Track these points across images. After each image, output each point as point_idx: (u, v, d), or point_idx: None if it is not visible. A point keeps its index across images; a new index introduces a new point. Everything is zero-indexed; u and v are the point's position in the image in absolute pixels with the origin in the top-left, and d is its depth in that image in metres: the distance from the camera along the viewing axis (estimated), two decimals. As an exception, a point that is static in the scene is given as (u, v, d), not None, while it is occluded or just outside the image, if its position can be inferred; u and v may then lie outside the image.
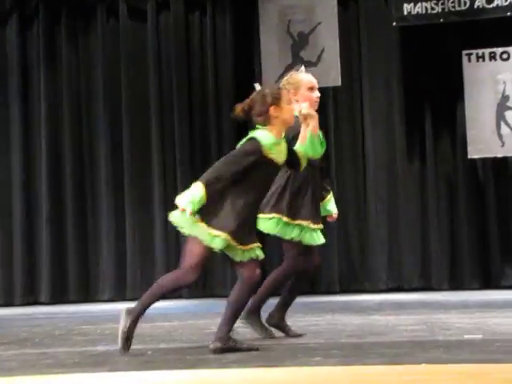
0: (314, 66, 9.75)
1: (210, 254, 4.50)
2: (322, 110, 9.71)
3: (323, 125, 9.67)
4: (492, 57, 9.49)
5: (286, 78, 5.25)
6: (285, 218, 5.01)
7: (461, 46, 9.52)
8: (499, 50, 9.46)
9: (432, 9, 9.44)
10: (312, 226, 5.04)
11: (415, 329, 5.41)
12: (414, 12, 9.46)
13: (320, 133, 4.81)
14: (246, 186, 4.44)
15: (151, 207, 10.04)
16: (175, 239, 9.49)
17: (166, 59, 10.16)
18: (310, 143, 4.68)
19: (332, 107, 9.96)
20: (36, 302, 9.95)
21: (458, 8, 9.36)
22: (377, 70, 9.92)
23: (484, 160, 9.52)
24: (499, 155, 9.45)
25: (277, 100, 4.50)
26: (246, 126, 10.32)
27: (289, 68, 9.77)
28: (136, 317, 4.52)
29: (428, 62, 9.65)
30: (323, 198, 5.28)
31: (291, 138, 4.74)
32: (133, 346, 4.54)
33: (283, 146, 4.59)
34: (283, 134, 4.61)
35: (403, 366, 3.80)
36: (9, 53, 10.28)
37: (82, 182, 10.18)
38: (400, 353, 4.27)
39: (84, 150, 10.23)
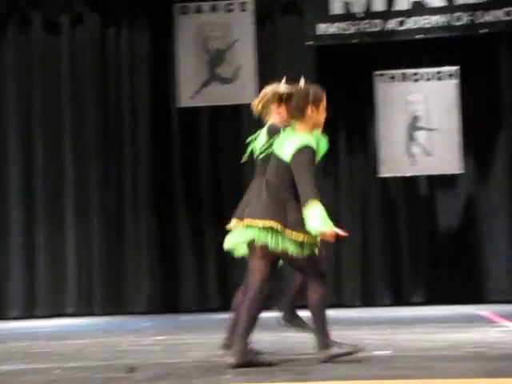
0: (230, 82, 9.81)
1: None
2: (237, 126, 9.98)
3: (241, 142, 9.81)
4: (403, 78, 9.72)
5: (271, 88, 5.05)
6: None
7: (373, 66, 9.71)
8: (410, 71, 9.68)
9: (346, 29, 9.61)
10: None
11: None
12: (328, 32, 9.62)
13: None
14: None
15: (63, 222, 9.88)
16: (87, 253, 9.36)
17: (82, 74, 10.04)
18: None
19: (249, 125, 9.99)
20: None
21: (370, 29, 9.56)
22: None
23: (395, 178, 9.71)
24: (409, 174, 9.65)
25: (317, 101, 4.58)
26: (163, 142, 10.28)
27: (205, 84, 9.81)
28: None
29: (342, 81, 9.80)
30: None
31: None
32: (40, 365, 4.45)
33: None
34: None
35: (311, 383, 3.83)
36: None
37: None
38: (308, 370, 4.30)
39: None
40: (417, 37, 9.52)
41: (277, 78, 9.92)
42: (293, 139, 4.51)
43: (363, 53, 9.74)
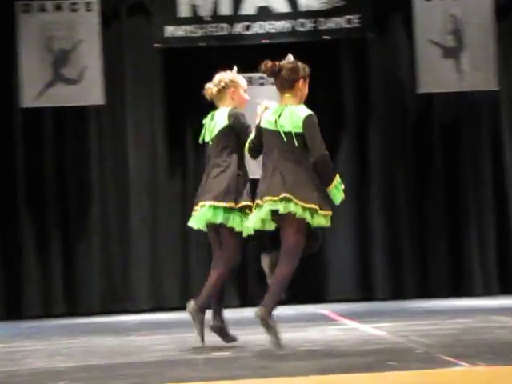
0: (76, 83, 9.64)
1: None
2: (83, 127, 9.83)
3: (86, 143, 9.67)
4: (250, 82, 9.80)
5: (227, 75, 5.51)
6: None
7: (220, 69, 9.74)
8: (256, 75, 9.81)
9: (193, 32, 9.64)
10: None
11: (166, 348, 5.46)
12: (176, 34, 9.62)
13: None
14: None
15: None
16: None
17: None
18: None
19: (95, 126, 9.87)
20: None
21: (217, 33, 9.64)
22: (140, 89, 9.97)
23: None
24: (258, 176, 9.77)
25: (306, 76, 4.93)
26: (5, 142, 9.88)
27: (50, 84, 9.59)
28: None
29: (190, 84, 9.82)
30: None
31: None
32: None
33: None
34: None
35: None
36: None
37: None
38: (146, 373, 4.29)
39: None
40: (263, 41, 9.68)
41: (124, 80, 10.03)
42: (294, 110, 4.84)
43: (211, 56, 9.79)
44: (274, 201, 4.77)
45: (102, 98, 9.60)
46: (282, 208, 4.76)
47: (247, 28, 9.66)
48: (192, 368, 4.40)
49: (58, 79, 9.61)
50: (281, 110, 4.90)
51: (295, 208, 4.75)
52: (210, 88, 5.48)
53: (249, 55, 9.83)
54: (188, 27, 9.63)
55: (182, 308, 9.32)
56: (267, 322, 4.84)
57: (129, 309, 9.54)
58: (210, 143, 5.35)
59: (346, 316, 7.33)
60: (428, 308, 7.97)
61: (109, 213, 9.80)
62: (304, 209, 4.74)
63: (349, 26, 9.56)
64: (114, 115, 9.93)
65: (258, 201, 4.88)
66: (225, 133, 5.27)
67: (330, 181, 4.79)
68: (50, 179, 9.75)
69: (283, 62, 4.97)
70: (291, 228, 4.80)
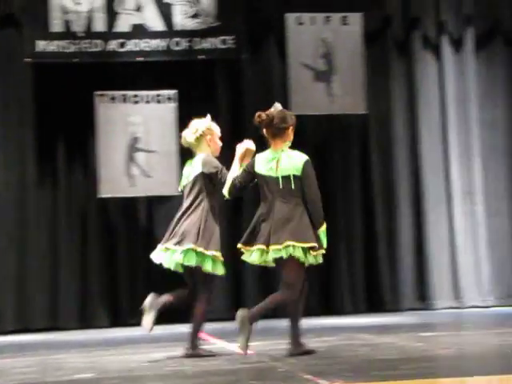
0: None
1: None
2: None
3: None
4: (124, 99, 9.77)
5: (203, 123, 5.83)
6: None
7: (94, 86, 9.66)
8: (131, 92, 9.76)
9: (66, 48, 9.49)
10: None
11: (28, 371, 5.31)
12: (48, 49, 9.45)
13: None
14: None
15: None
16: None
17: None
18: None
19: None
20: None
21: (91, 49, 9.52)
22: (10, 106, 9.73)
23: (114, 199, 9.72)
24: (129, 195, 9.70)
25: (294, 123, 5.39)
26: None
27: None
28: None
29: (62, 100, 9.67)
30: None
31: None
32: None
33: None
34: None
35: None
36: None
37: None
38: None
39: None
40: (137, 59, 9.64)
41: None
42: (292, 155, 5.28)
43: (84, 72, 9.67)
44: (279, 249, 5.21)
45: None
46: (284, 255, 5.22)
47: (122, 45, 9.60)
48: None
49: None
50: (277, 157, 5.30)
51: (297, 252, 5.20)
52: (188, 136, 5.79)
53: (124, 73, 9.81)
54: (60, 42, 9.48)
55: (50, 329, 9.21)
56: (244, 324, 5.07)
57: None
58: (186, 187, 5.71)
59: (215, 335, 7.33)
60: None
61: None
62: (303, 249, 5.22)
63: (223, 46, 9.65)
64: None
65: (260, 245, 5.26)
66: (199, 179, 5.62)
67: (320, 224, 5.25)
68: None
69: (271, 110, 5.36)
70: (293, 264, 5.24)
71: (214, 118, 10.08)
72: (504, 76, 10.42)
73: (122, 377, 4.77)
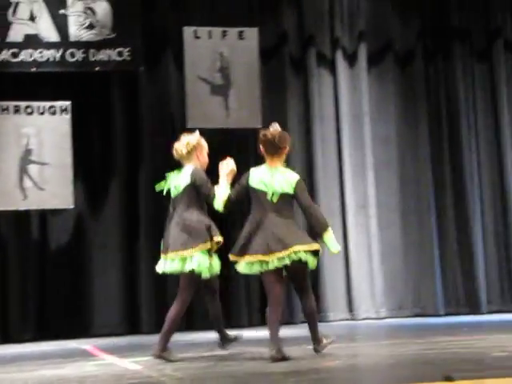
0: None
1: None
2: None
3: None
4: (16, 110, 9.57)
5: (193, 138, 6.11)
6: None
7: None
8: (23, 103, 9.57)
9: (-45, 58, 9.25)
10: None
11: None
12: None
13: None
14: None
15: None
16: None
17: None
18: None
19: None
20: None
21: (-19, 60, 9.30)
22: None
23: (6, 213, 9.50)
24: (21, 208, 9.49)
25: (289, 144, 5.78)
26: None
27: None
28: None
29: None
30: None
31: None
32: None
33: None
34: None
35: None
36: None
37: None
38: None
39: None
40: (31, 70, 9.46)
41: None
42: (285, 173, 5.67)
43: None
44: (283, 257, 5.52)
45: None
46: (288, 261, 5.54)
47: (14, 55, 9.41)
48: None
49: None
50: (271, 172, 5.66)
51: (304, 255, 5.54)
52: (180, 149, 6.10)
53: (17, 83, 9.61)
54: (-47, 52, 9.23)
55: None
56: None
57: None
58: (177, 197, 6.04)
59: (106, 351, 7.24)
60: (189, 341, 8.02)
61: None
62: (306, 252, 5.54)
63: (119, 58, 9.57)
64: None
65: (258, 256, 5.55)
66: (189, 190, 6.00)
67: (326, 226, 5.57)
68: None
69: (270, 129, 5.70)
70: (302, 269, 5.61)
71: (110, 130, 10.12)
72: (395, 92, 10.69)
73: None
